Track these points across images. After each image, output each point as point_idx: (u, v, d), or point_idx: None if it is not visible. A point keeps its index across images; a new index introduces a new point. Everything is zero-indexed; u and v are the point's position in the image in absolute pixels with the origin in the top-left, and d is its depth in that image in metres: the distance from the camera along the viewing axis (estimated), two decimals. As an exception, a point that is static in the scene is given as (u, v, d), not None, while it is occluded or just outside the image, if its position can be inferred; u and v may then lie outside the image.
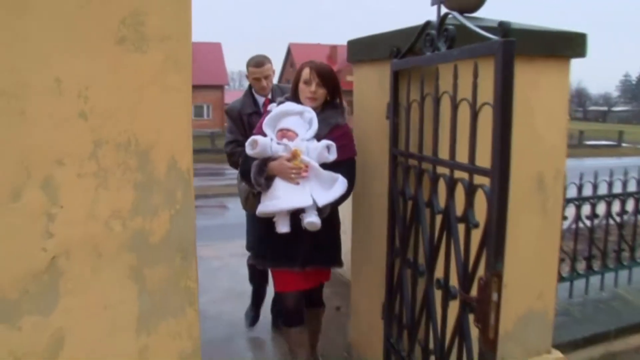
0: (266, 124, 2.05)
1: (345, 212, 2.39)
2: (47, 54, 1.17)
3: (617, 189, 3.16)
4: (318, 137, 2.04)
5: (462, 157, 1.54)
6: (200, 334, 1.45)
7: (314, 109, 2.08)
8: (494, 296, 1.29)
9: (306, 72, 2.08)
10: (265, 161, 1.99)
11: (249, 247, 2.71)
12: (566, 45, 2.10)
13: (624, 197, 3.16)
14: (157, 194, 1.33)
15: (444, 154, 1.64)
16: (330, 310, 2.45)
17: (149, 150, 1.31)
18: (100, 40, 1.22)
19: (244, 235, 2.88)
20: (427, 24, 1.73)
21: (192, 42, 1.35)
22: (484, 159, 1.42)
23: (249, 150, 2.00)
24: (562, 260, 2.85)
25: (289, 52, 41.41)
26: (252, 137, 2.01)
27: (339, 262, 2.24)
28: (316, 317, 2.42)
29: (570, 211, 3.00)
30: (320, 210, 1.98)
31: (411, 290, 1.90)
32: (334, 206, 2.05)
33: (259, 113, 2.57)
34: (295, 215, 1.98)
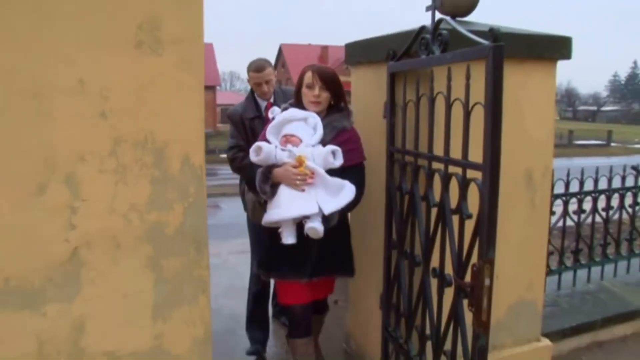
0: (269, 131, 2.02)
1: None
2: (72, 57, 1.25)
3: (604, 186, 3.30)
4: (324, 142, 1.99)
5: (455, 153, 1.65)
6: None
7: (318, 113, 2.04)
8: (487, 281, 1.40)
9: (308, 76, 2.03)
10: (270, 168, 1.94)
11: (259, 265, 2.21)
12: (553, 48, 2.22)
13: (609, 193, 3.30)
14: (171, 188, 1.41)
15: (438, 150, 1.75)
16: (329, 303, 2.53)
17: (164, 148, 1.39)
18: (120, 44, 1.30)
19: (239, 234, 2.83)
20: (422, 28, 1.83)
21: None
22: (476, 155, 1.53)
23: (253, 157, 1.95)
24: (550, 253, 2.97)
25: (280, 53, 41.46)
26: (256, 144, 1.96)
27: (351, 271, 2.16)
28: (319, 320, 2.39)
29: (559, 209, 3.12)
30: (327, 219, 1.90)
31: (408, 280, 2.00)
32: (342, 214, 1.98)
33: (261, 117, 2.54)
34: (302, 225, 1.91)
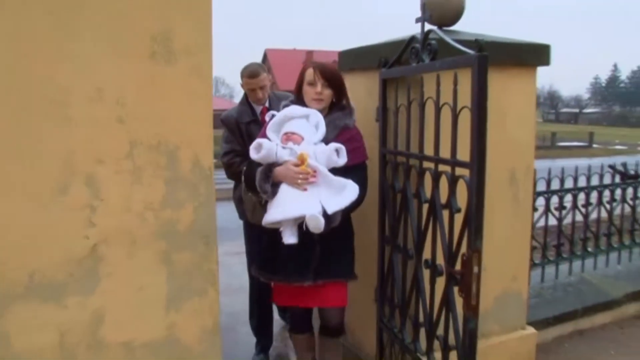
0: (270, 129, 1.95)
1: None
2: (91, 67, 1.33)
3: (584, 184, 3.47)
4: (326, 140, 1.93)
5: (444, 153, 1.78)
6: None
7: (321, 111, 1.98)
8: (475, 269, 1.53)
9: (310, 73, 1.96)
10: (271, 166, 1.87)
11: (257, 266, 2.17)
12: (533, 55, 2.37)
13: (587, 190, 3.47)
14: (183, 188, 1.49)
15: (429, 151, 1.88)
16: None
17: (176, 151, 1.47)
18: (135, 55, 1.39)
19: (234, 237, 2.79)
20: (412, 38, 1.97)
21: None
22: (464, 154, 1.66)
23: (253, 154, 1.89)
24: (534, 248, 3.13)
25: (265, 58, 41.46)
26: (257, 140, 1.90)
27: (352, 275, 2.08)
28: (333, 344, 2.20)
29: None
30: (329, 219, 1.83)
31: (401, 272, 2.12)
32: (345, 214, 1.93)
33: (257, 121, 2.48)
34: (303, 225, 1.83)
